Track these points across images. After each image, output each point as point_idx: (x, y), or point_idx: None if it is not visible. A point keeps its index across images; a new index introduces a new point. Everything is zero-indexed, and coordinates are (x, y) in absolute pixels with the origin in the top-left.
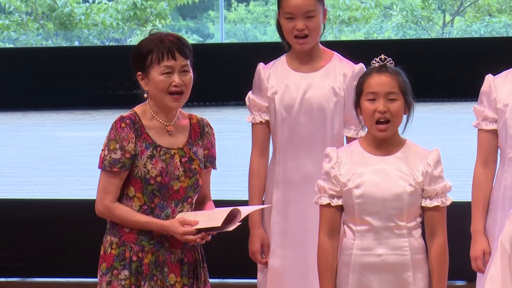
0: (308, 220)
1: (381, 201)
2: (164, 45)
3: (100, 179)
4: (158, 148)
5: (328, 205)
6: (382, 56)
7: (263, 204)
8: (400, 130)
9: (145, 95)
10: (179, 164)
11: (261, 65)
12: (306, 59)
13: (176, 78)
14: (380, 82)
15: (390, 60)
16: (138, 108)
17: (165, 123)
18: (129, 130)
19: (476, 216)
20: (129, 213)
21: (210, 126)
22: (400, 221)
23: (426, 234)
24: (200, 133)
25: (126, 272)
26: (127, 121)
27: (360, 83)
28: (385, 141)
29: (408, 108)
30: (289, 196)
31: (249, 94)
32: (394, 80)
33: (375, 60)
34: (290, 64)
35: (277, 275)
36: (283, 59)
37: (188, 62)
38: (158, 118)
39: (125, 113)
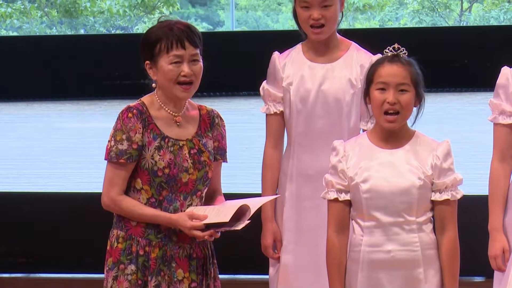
0: (323, 216)
1: (389, 195)
2: (173, 34)
3: (106, 171)
4: (166, 139)
5: (336, 200)
6: (396, 46)
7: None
8: (409, 123)
9: (153, 84)
10: (187, 156)
11: (276, 54)
12: (323, 49)
13: (185, 68)
14: (391, 72)
15: (404, 50)
16: (145, 98)
17: (173, 113)
18: (136, 121)
19: (494, 214)
20: (136, 206)
21: (220, 117)
22: (409, 216)
23: (436, 229)
24: (210, 124)
25: (132, 267)
26: (134, 111)
27: (371, 72)
28: (393, 134)
29: (419, 101)
30: (303, 191)
31: (264, 83)
32: (406, 71)
33: (388, 49)
34: (306, 54)
35: (289, 271)
36: (298, 48)
37: (198, 51)
38: (166, 108)
39: (132, 103)
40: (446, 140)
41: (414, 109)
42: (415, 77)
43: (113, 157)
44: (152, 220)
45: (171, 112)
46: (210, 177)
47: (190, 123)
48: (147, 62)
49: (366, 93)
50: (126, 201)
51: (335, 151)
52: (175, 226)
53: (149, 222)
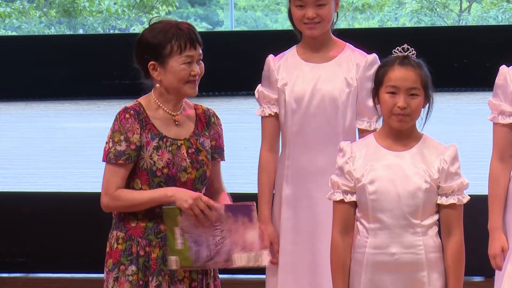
0: (319, 215)
1: (395, 198)
2: (184, 34)
3: (105, 172)
4: (165, 139)
5: (342, 201)
6: (405, 46)
7: (272, 199)
8: (418, 123)
9: (157, 85)
10: (186, 155)
11: (270, 57)
12: (317, 49)
13: (195, 68)
14: (402, 76)
15: (413, 50)
16: (142, 99)
17: (172, 113)
18: (134, 121)
19: (494, 213)
20: (134, 192)
21: (216, 116)
22: (415, 219)
23: (442, 233)
24: (207, 123)
25: (133, 268)
26: (131, 111)
27: (381, 73)
28: (401, 135)
29: (427, 101)
30: (300, 191)
31: (259, 86)
32: (417, 74)
33: (398, 49)
34: (301, 54)
35: (288, 272)
36: (293, 50)
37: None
38: (164, 108)
39: (129, 104)
40: (453, 144)
41: (422, 110)
42: (425, 80)
43: (112, 158)
44: (155, 198)
45: (169, 112)
46: (208, 176)
47: (187, 122)
48: (152, 62)
49: (375, 94)
50: (123, 192)
51: (341, 152)
52: (176, 193)
53: (152, 204)
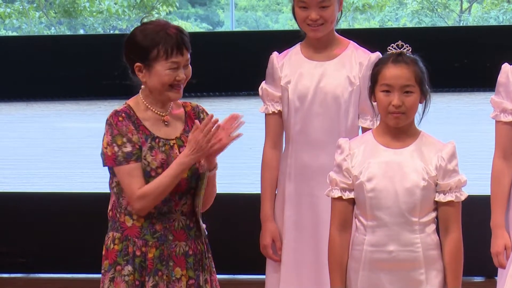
0: (321, 213)
1: (393, 195)
2: (172, 39)
3: (122, 178)
4: (157, 139)
5: (340, 198)
6: (400, 43)
7: (275, 197)
8: (416, 120)
9: (142, 86)
10: (178, 154)
11: (274, 54)
12: (321, 47)
13: (181, 74)
14: (396, 74)
15: (407, 46)
16: (131, 101)
17: (160, 113)
18: (128, 123)
19: (496, 211)
20: (154, 182)
21: (206, 112)
22: (412, 216)
23: (440, 230)
24: (196, 119)
25: (129, 268)
26: (123, 114)
27: (376, 72)
28: (399, 133)
29: (424, 97)
30: (302, 189)
31: (262, 84)
32: (411, 71)
33: (392, 47)
34: (304, 52)
35: (291, 269)
36: (297, 48)
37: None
38: (153, 109)
39: (119, 107)
40: (451, 141)
41: (420, 106)
42: (419, 76)
43: (123, 161)
44: (172, 175)
45: (158, 112)
46: (201, 173)
47: (176, 121)
48: (138, 64)
49: (371, 92)
50: (146, 188)
51: (340, 149)
52: (180, 159)
53: (176, 181)
